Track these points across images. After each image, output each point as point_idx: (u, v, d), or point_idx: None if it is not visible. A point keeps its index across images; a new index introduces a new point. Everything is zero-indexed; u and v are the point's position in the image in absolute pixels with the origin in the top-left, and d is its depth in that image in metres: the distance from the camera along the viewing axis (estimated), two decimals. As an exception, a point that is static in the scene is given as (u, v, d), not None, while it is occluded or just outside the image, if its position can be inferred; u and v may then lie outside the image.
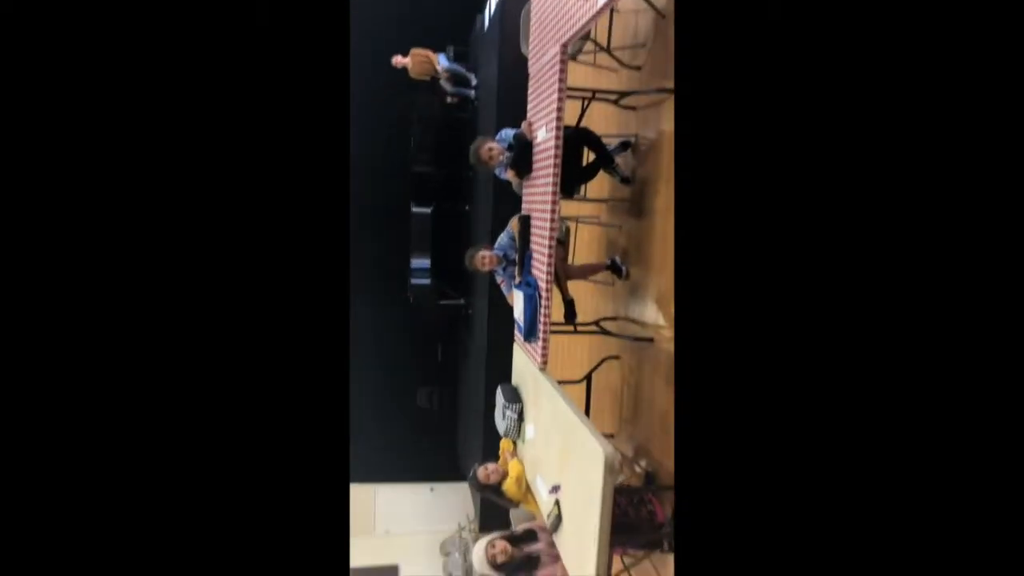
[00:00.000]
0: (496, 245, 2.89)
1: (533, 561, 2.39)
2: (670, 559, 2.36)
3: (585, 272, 3.06)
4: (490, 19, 5.12)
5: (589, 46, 2.88)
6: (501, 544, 2.39)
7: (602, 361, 3.00)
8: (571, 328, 2.92)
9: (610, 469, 1.84)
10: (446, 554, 6.57)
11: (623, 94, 2.80)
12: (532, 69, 2.79)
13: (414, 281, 6.07)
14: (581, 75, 3.19)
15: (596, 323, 2.96)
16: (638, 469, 2.70)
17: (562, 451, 2.24)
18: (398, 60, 5.59)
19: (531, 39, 2.83)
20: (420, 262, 6.12)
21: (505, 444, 2.94)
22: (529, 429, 2.74)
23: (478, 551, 2.43)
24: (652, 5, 2.61)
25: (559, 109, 2.34)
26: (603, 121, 3.07)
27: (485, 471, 2.80)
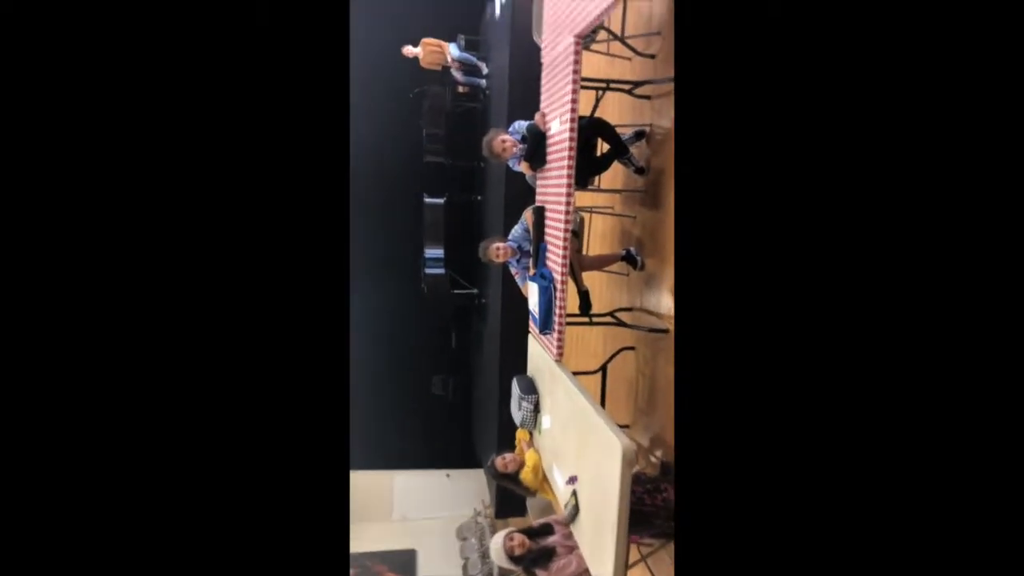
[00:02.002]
0: (510, 236, 2.89)
1: (549, 553, 2.42)
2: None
3: (600, 263, 3.05)
4: (501, 7, 5.07)
5: (603, 34, 2.85)
6: (519, 538, 2.43)
7: (617, 352, 3.01)
8: (586, 319, 2.92)
9: (628, 462, 1.85)
10: (462, 539, 6.67)
11: (637, 83, 2.77)
12: (545, 59, 2.77)
13: (428, 271, 6.12)
14: (594, 64, 3.15)
15: (611, 314, 2.96)
16: (654, 459, 2.71)
17: (579, 442, 2.26)
18: (408, 50, 5.58)
19: (544, 28, 2.80)
20: (433, 252, 6.16)
21: (521, 434, 2.97)
22: (545, 420, 2.76)
23: (496, 544, 2.47)
24: (667, -8, 2.57)
25: (573, 101, 2.32)
26: (617, 110, 3.04)
27: (503, 461, 2.84)
